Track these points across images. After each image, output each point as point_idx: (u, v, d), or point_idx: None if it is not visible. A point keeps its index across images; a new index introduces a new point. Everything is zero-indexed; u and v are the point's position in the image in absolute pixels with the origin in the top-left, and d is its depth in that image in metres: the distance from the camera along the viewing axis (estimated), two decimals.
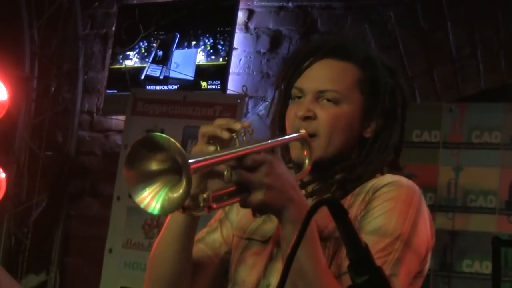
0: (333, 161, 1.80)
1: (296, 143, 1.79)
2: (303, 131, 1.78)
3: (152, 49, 4.70)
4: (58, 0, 4.94)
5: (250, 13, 4.50)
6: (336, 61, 1.86)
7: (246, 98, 4.26)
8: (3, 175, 4.53)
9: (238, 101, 4.18)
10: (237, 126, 1.63)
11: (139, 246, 4.31)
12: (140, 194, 1.45)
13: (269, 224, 1.83)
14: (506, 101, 3.77)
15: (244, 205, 1.55)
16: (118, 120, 4.76)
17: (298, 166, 1.78)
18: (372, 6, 4.15)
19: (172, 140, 1.40)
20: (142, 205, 1.45)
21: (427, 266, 1.80)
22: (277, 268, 1.74)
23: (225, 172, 1.53)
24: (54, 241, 4.78)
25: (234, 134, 1.62)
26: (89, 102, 4.94)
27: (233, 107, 4.16)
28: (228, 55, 4.41)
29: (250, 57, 4.45)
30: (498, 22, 3.85)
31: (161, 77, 4.61)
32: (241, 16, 4.48)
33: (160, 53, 4.66)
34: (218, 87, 4.35)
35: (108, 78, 4.82)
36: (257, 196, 1.52)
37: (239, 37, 4.47)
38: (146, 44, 4.73)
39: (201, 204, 1.53)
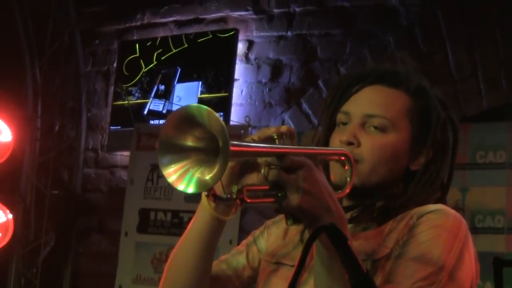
0: (375, 191, 1.72)
1: (337, 166, 1.70)
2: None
3: (154, 84, 4.72)
4: (59, 39, 4.98)
5: (250, 44, 4.52)
6: (387, 87, 1.77)
7: (250, 128, 4.27)
8: (10, 216, 4.55)
9: (242, 131, 4.19)
10: (283, 128, 1.55)
11: (149, 281, 4.30)
12: (168, 167, 1.38)
13: (301, 249, 1.75)
14: (509, 119, 3.77)
15: (278, 208, 1.45)
16: (123, 156, 4.77)
17: (336, 189, 1.65)
18: (371, 31, 4.17)
19: (216, 115, 1.33)
20: (169, 180, 1.38)
21: None
22: None
23: (262, 169, 1.45)
24: (64, 280, 4.77)
25: (274, 135, 1.53)
26: (93, 139, 4.96)
27: (236, 138, 4.17)
28: (230, 86, 4.43)
29: (251, 88, 4.47)
30: (497, 41, 3.85)
31: (164, 111, 4.63)
32: (241, 47, 4.51)
33: (162, 87, 4.68)
34: (221, 118, 4.34)
35: (111, 114, 4.84)
36: (293, 200, 1.42)
37: (240, 68, 4.49)
38: (148, 79, 4.75)
39: (234, 196, 1.43)
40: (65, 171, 4.96)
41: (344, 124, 1.76)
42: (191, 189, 1.37)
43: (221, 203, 1.48)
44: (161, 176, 4.42)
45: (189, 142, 1.40)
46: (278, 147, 1.50)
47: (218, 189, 1.50)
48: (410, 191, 1.73)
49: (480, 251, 3.55)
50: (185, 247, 1.72)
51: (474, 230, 3.64)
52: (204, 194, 1.44)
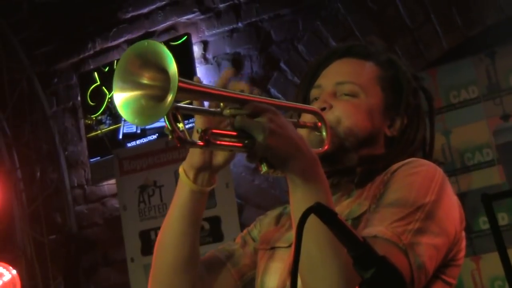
0: (353, 152, 1.73)
1: (311, 134, 1.71)
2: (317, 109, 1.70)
3: None
4: (18, 87, 4.96)
5: (205, 44, 4.52)
6: (355, 59, 1.82)
7: None
8: (14, 272, 4.52)
9: None
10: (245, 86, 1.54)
11: None
12: (120, 93, 1.40)
13: (293, 231, 1.74)
14: (472, 54, 3.79)
15: (249, 155, 1.45)
16: (109, 185, 4.75)
17: None
18: (319, 3, 4.17)
19: (170, 54, 1.34)
20: (117, 105, 1.39)
21: (462, 254, 1.67)
22: None
23: (228, 120, 1.46)
24: None
25: (237, 90, 1.51)
26: (77, 176, 4.94)
27: None
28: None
29: (220, 77, 4.45)
30: None
31: (138, 131, 4.62)
32: (196, 50, 4.50)
33: None
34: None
35: (88, 147, 4.82)
36: (260, 140, 1.41)
37: (201, 70, 4.48)
38: (114, 104, 4.73)
39: (198, 138, 1.43)
40: (57, 214, 4.93)
41: (317, 99, 1.79)
42: (137, 120, 1.39)
43: (186, 145, 1.44)
44: (151, 195, 4.42)
45: (145, 80, 1.41)
46: (238, 93, 1.49)
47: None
48: (390, 154, 1.75)
49: (477, 188, 3.59)
50: (170, 225, 1.72)
51: (466, 169, 3.67)
52: (169, 137, 1.41)
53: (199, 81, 1.48)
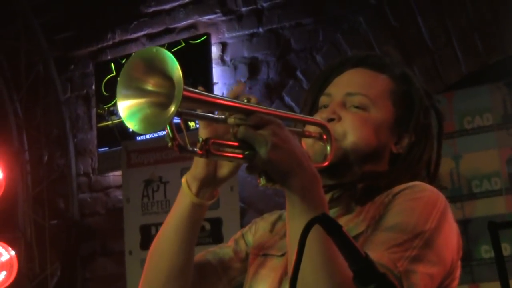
0: (356, 167, 1.70)
1: (315, 143, 1.69)
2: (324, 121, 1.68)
3: None
4: (34, 70, 4.97)
5: (223, 45, 4.52)
6: (369, 70, 1.79)
7: None
8: (13, 252, 4.54)
9: None
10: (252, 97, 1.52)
11: None
12: (124, 100, 1.38)
13: (287, 243, 1.70)
14: (490, 81, 3.78)
15: (249, 167, 1.44)
16: (115, 176, 4.76)
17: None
18: (341, 15, 4.16)
19: (176, 62, 1.32)
20: (120, 112, 1.38)
21: (455, 284, 1.66)
22: None
23: (231, 129, 1.44)
24: None
25: (244, 99, 1.48)
26: (84, 164, 4.95)
27: None
28: (210, 90, 4.42)
29: (232, 89, 4.45)
30: (466, 5, 3.85)
31: None
32: (215, 50, 4.50)
33: None
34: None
35: (98, 137, 4.83)
36: (261, 154, 1.40)
37: (217, 71, 4.48)
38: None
39: (199, 147, 1.42)
40: (60, 200, 4.94)
41: (326, 107, 1.76)
42: (138, 127, 1.38)
43: (186, 154, 1.43)
44: (156, 190, 4.42)
45: (149, 86, 1.39)
46: (244, 103, 1.47)
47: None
48: (394, 172, 1.73)
49: (481, 216, 3.58)
50: (167, 233, 1.70)
51: (472, 196, 3.66)
52: (169, 144, 1.41)
53: (204, 90, 1.47)
